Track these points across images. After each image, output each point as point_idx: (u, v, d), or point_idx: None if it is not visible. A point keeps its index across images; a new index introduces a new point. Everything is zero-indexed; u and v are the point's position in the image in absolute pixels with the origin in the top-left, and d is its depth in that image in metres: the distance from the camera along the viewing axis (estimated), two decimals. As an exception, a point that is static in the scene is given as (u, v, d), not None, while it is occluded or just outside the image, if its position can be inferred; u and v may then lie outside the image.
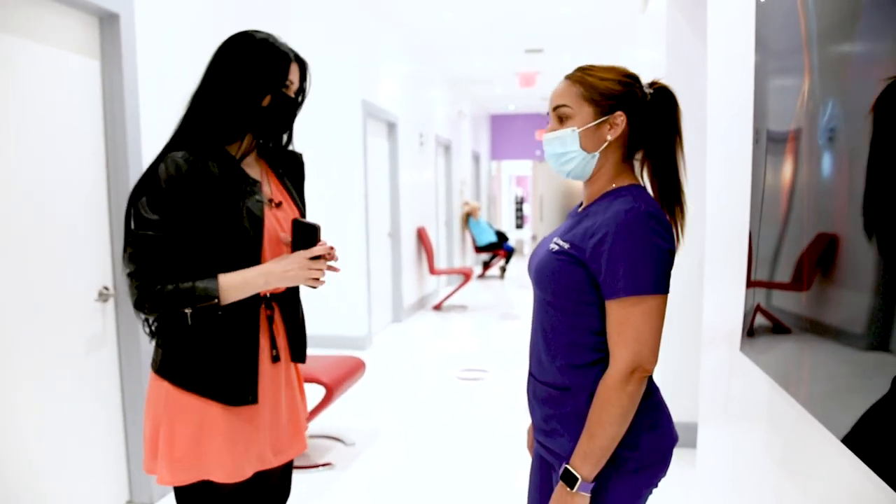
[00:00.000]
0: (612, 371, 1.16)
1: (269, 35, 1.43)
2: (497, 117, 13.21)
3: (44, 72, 2.17)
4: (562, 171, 1.29)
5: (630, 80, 1.25)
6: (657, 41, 3.43)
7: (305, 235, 1.42)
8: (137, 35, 2.52)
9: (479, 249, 10.18)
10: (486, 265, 10.51)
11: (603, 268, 1.16)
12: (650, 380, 1.27)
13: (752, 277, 1.57)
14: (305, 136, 5.33)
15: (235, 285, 1.33)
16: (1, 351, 1.99)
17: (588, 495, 1.17)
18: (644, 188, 1.28)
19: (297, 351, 1.54)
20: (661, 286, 1.15)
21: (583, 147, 1.24)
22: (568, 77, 1.27)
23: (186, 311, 1.31)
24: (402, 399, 4.23)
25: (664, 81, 1.29)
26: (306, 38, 5.30)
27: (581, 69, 1.27)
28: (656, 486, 1.26)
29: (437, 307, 7.57)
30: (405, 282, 6.84)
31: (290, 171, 1.59)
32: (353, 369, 3.27)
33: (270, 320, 1.46)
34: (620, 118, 1.23)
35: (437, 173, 8.60)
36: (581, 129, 1.23)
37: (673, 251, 1.19)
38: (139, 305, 1.31)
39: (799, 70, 1.25)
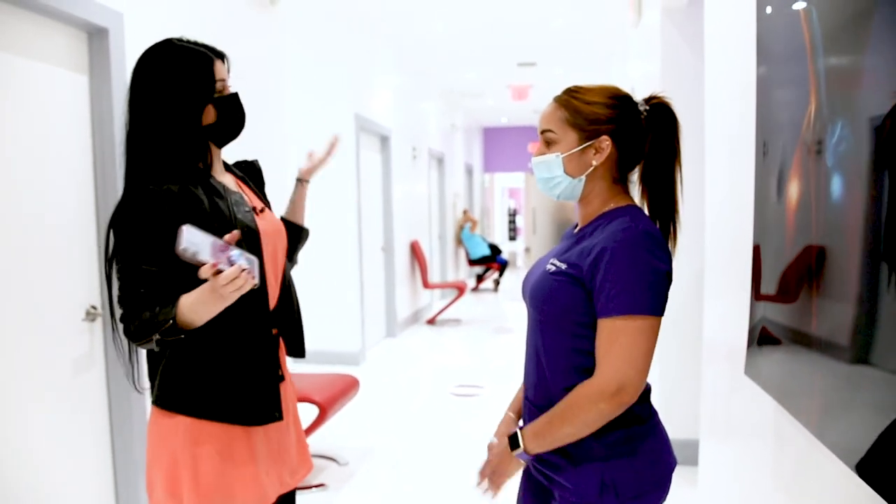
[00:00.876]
0: (593, 382, 1.13)
1: (176, 39, 1.37)
2: (490, 130, 13.23)
3: (30, 88, 2.13)
4: (551, 194, 1.29)
5: (619, 101, 1.23)
6: (651, 54, 3.42)
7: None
8: (127, 50, 2.48)
9: (472, 262, 10.16)
10: (480, 278, 10.48)
11: (598, 286, 1.14)
12: (649, 403, 1.24)
13: (759, 292, 1.54)
14: (298, 149, 5.31)
15: (190, 306, 1.21)
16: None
17: (524, 464, 1.24)
18: (640, 208, 1.26)
19: (297, 346, 1.51)
20: (655, 308, 1.13)
21: (567, 172, 1.24)
22: (556, 99, 1.27)
23: (154, 338, 1.22)
24: (397, 416, 4.17)
25: (663, 97, 1.26)
26: (298, 52, 5.29)
27: (568, 91, 1.25)
28: None
29: (431, 321, 7.52)
30: (399, 296, 6.78)
31: (253, 178, 1.57)
32: (347, 388, 3.21)
33: (275, 339, 1.42)
34: (606, 143, 1.21)
35: (431, 186, 8.58)
36: (565, 155, 1.23)
37: (670, 273, 1.16)
38: (127, 337, 1.26)
39: (804, 81, 1.22)
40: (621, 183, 1.27)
